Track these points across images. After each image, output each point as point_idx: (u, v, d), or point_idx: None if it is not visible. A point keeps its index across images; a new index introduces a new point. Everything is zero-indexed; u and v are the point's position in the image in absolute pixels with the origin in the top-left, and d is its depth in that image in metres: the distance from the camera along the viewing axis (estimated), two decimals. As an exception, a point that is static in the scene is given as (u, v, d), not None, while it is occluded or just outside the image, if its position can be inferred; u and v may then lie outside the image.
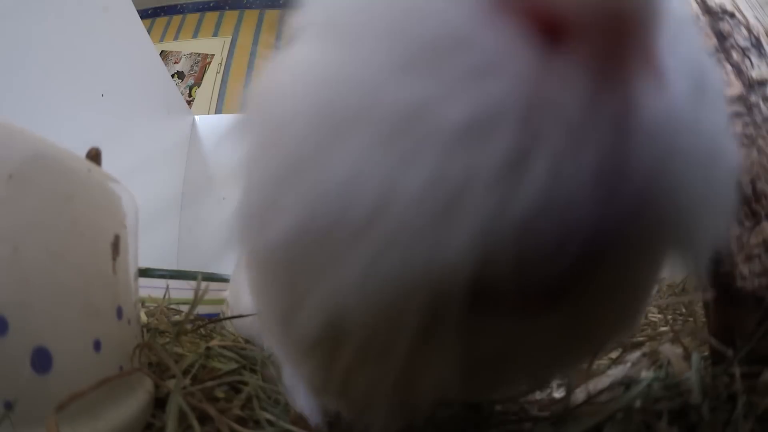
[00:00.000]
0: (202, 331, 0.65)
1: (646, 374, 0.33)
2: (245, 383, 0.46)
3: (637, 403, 0.31)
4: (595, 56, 0.13)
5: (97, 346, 0.35)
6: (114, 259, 0.38)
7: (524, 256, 0.14)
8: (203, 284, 0.52)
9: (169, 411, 0.34)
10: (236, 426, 0.36)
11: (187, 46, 5.03)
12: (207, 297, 0.75)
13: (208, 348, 0.54)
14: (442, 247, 0.14)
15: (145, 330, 0.56)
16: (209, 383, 0.44)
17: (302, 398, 0.38)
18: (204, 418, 0.38)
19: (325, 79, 0.16)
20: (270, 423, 0.39)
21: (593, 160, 0.13)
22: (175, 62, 4.91)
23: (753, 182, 0.34)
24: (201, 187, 2.10)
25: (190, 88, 4.72)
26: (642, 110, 0.13)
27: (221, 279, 1.01)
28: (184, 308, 0.79)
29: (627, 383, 0.33)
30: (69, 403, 0.29)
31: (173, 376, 0.40)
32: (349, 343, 0.18)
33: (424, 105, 0.14)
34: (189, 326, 0.60)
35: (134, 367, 0.39)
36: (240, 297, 0.38)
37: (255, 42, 5.03)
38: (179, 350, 0.52)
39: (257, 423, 0.40)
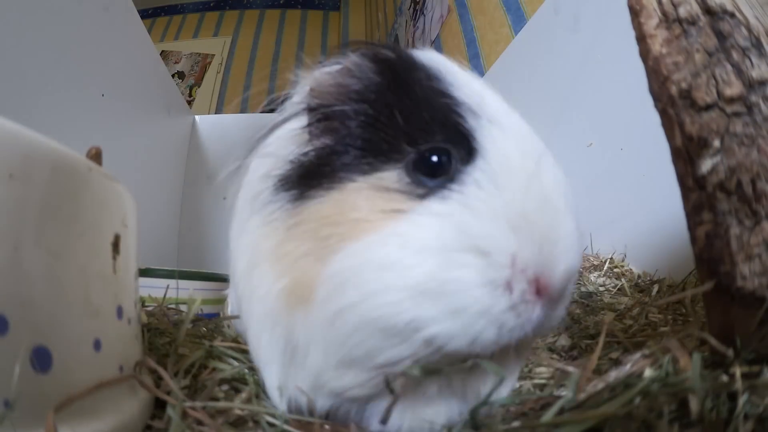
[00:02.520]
0: (203, 330, 0.65)
1: (647, 374, 0.33)
2: (245, 383, 0.46)
3: (637, 403, 0.31)
4: (545, 301, 0.34)
5: (97, 345, 0.35)
6: (114, 258, 0.38)
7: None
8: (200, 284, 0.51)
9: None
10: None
11: (187, 46, 5.04)
12: (207, 297, 0.75)
13: (210, 347, 0.54)
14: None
15: (145, 330, 0.56)
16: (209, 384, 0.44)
17: (272, 387, 0.41)
18: (200, 421, 0.38)
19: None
20: (270, 424, 0.39)
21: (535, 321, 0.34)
22: (176, 62, 4.91)
23: (753, 182, 0.34)
24: (201, 187, 2.10)
25: (191, 88, 4.72)
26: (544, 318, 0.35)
27: (221, 279, 1.01)
28: (184, 308, 0.79)
29: (627, 383, 0.33)
30: (67, 405, 0.29)
31: (176, 374, 0.40)
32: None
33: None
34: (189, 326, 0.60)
35: (136, 375, 0.39)
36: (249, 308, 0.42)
37: (255, 42, 5.04)
38: (179, 350, 0.52)
39: (257, 423, 0.40)
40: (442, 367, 0.34)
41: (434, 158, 0.36)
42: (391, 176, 0.37)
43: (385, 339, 0.34)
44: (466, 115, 0.37)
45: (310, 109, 0.41)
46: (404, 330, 0.33)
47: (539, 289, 0.33)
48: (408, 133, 0.37)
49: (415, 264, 0.33)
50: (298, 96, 0.43)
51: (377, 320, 0.33)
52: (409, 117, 0.38)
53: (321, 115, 0.41)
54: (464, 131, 0.37)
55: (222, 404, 0.41)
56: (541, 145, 0.39)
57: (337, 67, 0.42)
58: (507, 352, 0.35)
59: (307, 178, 0.39)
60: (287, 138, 0.42)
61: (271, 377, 0.41)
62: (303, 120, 0.42)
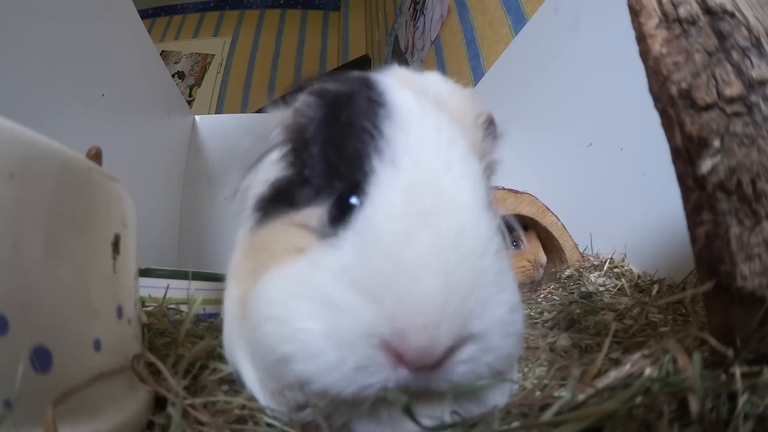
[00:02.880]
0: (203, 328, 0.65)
1: (647, 374, 0.33)
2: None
3: (637, 403, 0.31)
4: (414, 368, 0.33)
5: (97, 345, 0.35)
6: (114, 258, 0.38)
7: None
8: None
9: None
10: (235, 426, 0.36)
11: (187, 46, 5.04)
12: (206, 297, 0.75)
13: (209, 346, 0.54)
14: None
15: (145, 330, 0.56)
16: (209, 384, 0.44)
17: (251, 381, 0.42)
18: (199, 421, 0.38)
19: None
20: (269, 425, 0.39)
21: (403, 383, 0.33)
22: (176, 62, 4.91)
23: (753, 182, 0.34)
24: (201, 187, 2.10)
25: (191, 88, 4.73)
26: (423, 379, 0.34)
27: (221, 279, 1.01)
28: (184, 308, 0.79)
29: (627, 383, 0.33)
30: (66, 398, 0.29)
31: (176, 373, 0.40)
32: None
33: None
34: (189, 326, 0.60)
35: (135, 367, 0.39)
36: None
37: (255, 42, 5.04)
38: (179, 350, 0.52)
39: (257, 423, 0.40)
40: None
41: (344, 200, 0.37)
42: (316, 213, 0.38)
43: (272, 361, 0.35)
44: (374, 154, 0.36)
45: (282, 142, 0.45)
46: (280, 360, 0.34)
47: (398, 355, 0.32)
48: (341, 170, 0.38)
49: (285, 307, 0.35)
50: (277, 128, 0.46)
51: (266, 347, 0.36)
52: (341, 154, 0.38)
53: (285, 149, 0.44)
54: (367, 173, 0.36)
55: (222, 398, 0.41)
56: (446, 199, 0.35)
57: (295, 104, 0.44)
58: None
59: (268, 205, 0.43)
60: (269, 166, 0.46)
61: (248, 374, 0.42)
62: (279, 150, 0.45)
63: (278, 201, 0.42)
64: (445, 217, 0.34)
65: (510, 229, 1.30)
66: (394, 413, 0.35)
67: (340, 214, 0.36)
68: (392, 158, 0.36)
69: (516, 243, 1.21)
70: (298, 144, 0.43)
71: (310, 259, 0.36)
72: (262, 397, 0.41)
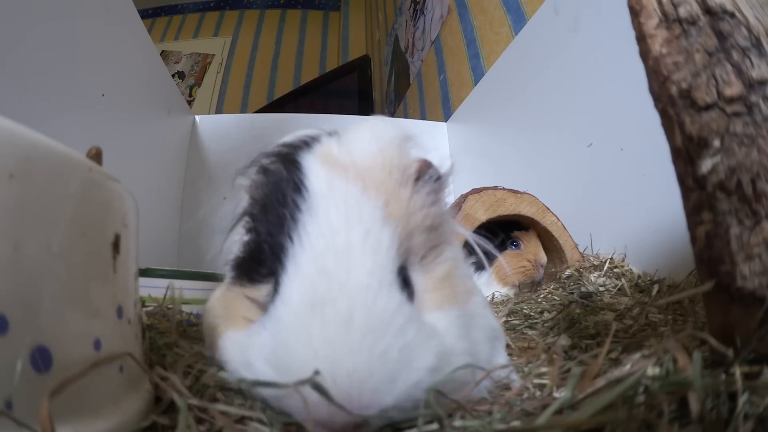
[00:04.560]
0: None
1: (647, 374, 0.33)
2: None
3: (638, 403, 0.31)
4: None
5: (97, 345, 0.35)
6: (114, 258, 0.38)
7: None
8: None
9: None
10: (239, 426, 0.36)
11: (187, 46, 5.04)
12: (206, 297, 0.75)
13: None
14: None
15: (145, 330, 0.56)
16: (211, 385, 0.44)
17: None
18: (202, 419, 0.38)
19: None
20: (269, 423, 0.39)
21: None
22: (176, 62, 4.91)
23: (753, 182, 0.34)
24: (201, 187, 2.10)
25: (191, 88, 4.73)
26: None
27: (221, 279, 1.01)
28: (184, 308, 0.79)
29: (628, 383, 0.33)
30: (61, 389, 0.29)
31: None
32: None
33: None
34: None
35: (140, 368, 0.39)
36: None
37: (255, 42, 5.04)
38: (179, 350, 0.52)
39: (256, 421, 0.40)
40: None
41: (278, 282, 0.41)
42: (264, 289, 0.44)
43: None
44: (289, 241, 0.41)
45: (246, 211, 0.50)
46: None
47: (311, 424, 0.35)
48: (277, 251, 0.42)
49: (232, 365, 0.42)
50: (244, 197, 0.51)
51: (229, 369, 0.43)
52: (274, 236, 0.43)
53: (247, 218, 0.49)
54: (284, 255, 0.41)
55: (230, 407, 0.41)
56: (340, 275, 0.38)
57: (250, 178, 0.50)
58: None
59: (238, 267, 0.48)
60: (240, 230, 0.51)
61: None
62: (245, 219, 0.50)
63: (243, 268, 0.47)
64: (333, 305, 0.36)
65: (509, 229, 1.30)
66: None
67: (276, 293, 0.41)
68: (299, 246, 0.40)
69: (516, 243, 1.21)
70: (254, 214, 0.47)
71: (251, 332, 0.42)
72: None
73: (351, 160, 0.45)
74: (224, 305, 0.48)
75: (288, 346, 0.37)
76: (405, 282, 0.42)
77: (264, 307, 0.43)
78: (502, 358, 0.53)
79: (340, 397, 0.34)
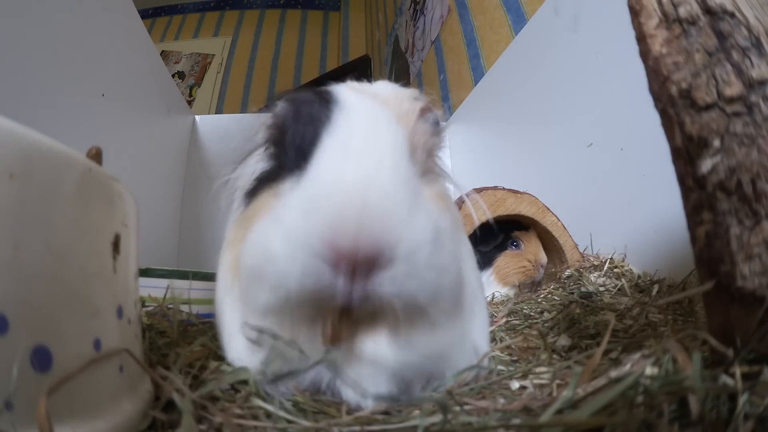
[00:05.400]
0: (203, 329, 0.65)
1: (647, 374, 0.33)
2: (245, 382, 0.46)
3: (638, 403, 0.31)
4: (350, 271, 0.41)
5: (97, 345, 0.35)
6: (114, 258, 0.38)
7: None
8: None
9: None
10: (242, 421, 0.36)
11: (187, 46, 5.04)
12: (206, 297, 0.75)
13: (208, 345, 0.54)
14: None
15: (145, 330, 0.56)
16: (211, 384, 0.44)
17: (241, 350, 0.49)
18: (201, 418, 0.38)
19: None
20: (267, 415, 0.40)
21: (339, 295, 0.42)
22: (176, 62, 4.91)
23: (753, 182, 0.34)
24: (201, 187, 2.10)
25: (191, 88, 4.72)
26: (360, 290, 0.42)
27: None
28: (184, 308, 0.79)
29: (628, 383, 0.33)
30: (59, 386, 0.29)
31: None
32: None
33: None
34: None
35: (139, 366, 0.39)
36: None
37: (255, 42, 5.04)
38: (179, 350, 0.52)
39: (255, 417, 0.40)
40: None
41: (301, 168, 0.47)
42: (287, 184, 0.49)
43: (254, 285, 0.45)
44: (324, 131, 0.47)
45: (265, 140, 0.57)
46: (258, 276, 0.44)
47: (336, 257, 0.40)
48: (305, 150, 0.48)
49: (260, 235, 0.46)
50: (262, 129, 0.58)
51: (246, 270, 0.47)
52: (304, 138, 0.49)
53: (268, 144, 0.56)
54: (318, 142, 0.47)
55: (230, 406, 0.41)
56: (368, 146, 0.45)
57: (275, 109, 0.56)
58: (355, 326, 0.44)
59: (255, 190, 0.55)
60: (256, 160, 0.59)
61: (229, 327, 0.51)
62: (263, 147, 0.58)
63: (261, 185, 0.54)
64: (366, 156, 0.44)
65: (509, 230, 1.30)
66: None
67: (299, 181, 0.47)
68: (333, 129, 0.47)
69: (516, 243, 1.21)
70: (278, 138, 0.54)
71: (280, 205, 0.47)
72: (235, 348, 0.49)
73: (372, 91, 0.55)
74: (244, 221, 0.52)
75: (322, 186, 0.42)
76: None
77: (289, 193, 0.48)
78: (480, 317, 0.57)
79: (365, 224, 0.40)
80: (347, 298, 0.41)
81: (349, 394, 0.45)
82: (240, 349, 0.49)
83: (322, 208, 0.41)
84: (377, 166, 0.43)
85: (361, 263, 0.40)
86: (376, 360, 0.44)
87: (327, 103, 0.50)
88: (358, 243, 0.40)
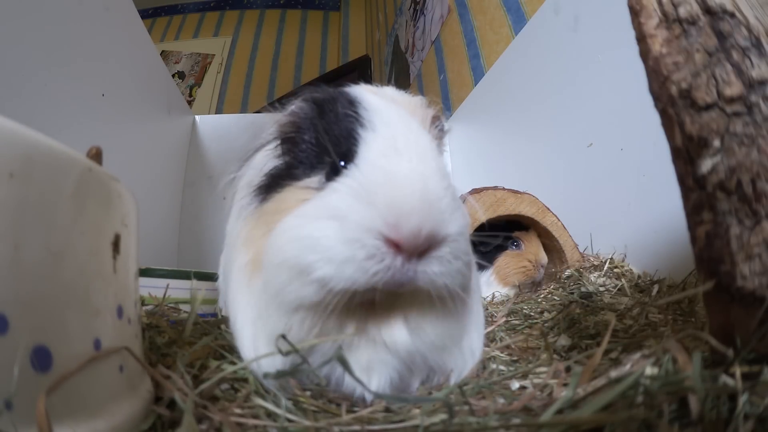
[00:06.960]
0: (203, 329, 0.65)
1: (647, 374, 0.33)
2: (245, 381, 0.46)
3: (638, 403, 0.31)
4: (407, 256, 0.44)
5: (97, 344, 0.35)
6: (114, 258, 0.38)
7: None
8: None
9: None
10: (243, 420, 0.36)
11: (187, 46, 5.04)
12: (205, 297, 0.75)
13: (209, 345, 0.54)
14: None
15: (145, 330, 0.56)
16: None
17: (248, 348, 0.50)
18: (202, 417, 0.38)
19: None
20: (269, 414, 0.40)
21: (398, 268, 0.44)
22: (176, 62, 4.91)
23: (753, 182, 0.34)
24: (201, 187, 2.10)
25: (191, 88, 4.72)
26: (412, 270, 0.44)
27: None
28: (184, 307, 0.79)
29: (628, 383, 0.33)
30: (59, 385, 0.29)
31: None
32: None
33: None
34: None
35: (139, 366, 0.39)
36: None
37: (255, 42, 5.04)
38: (179, 350, 0.52)
39: (256, 416, 0.40)
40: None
41: (336, 165, 0.50)
42: (314, 180, 0.52)
43: (292, 279, 0.45)
44: (359, 128, 0.50)
45: (276, 138, 0.59)
46: (302, 272, 0.44)
47: (394, 244, 0.43)
48: (328, 148, 0.51)
49: (304, 228, 0.46)
50: (272, 127, 0.60)
51: (284, 263, 0.46)
52: (329, 136, 0.52)
53: (281, 141, 0.58)
54: (355, 139, 0.50)
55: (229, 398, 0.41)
56: (411, 144, 0.48)
57: (291, 108, 0.59)
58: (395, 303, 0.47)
59: (270, 186, 0.55)
60: (264, 157, 0.60)
61: (244, 329, 0.51)
62: (274, 144, 0.60)
63: (278, 181, 0.55)
64: (413, 153, 0.47)
65: (510, 229, 1.30)
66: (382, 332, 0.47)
67: (334, 175, 0.49)
68: (371, 128, 0.50)
69: (516, 243, 1.21)
70: (294, 136, 0.56)
71: (318, 197, 0.49)
72: (252, 350, 0.49)
73: (389, 95, 0.59)
74: (265, 217, 0.53)
75: (382, 175, 0.45)
76: None
77: (320, 188, 0.50)
78: (477, 316, 0.58)
79: (426, 209, 0.43)
80: (403, 277, 0.43)
81: (356, 388, 0.47)
82: (256, 348, 0.49)
83: (386, 196, 0.43)
84: (424, 161, 0.47)
85: (422, 244, 0.43)
86: (394, 343, 0.47)
87: (351, 103, 0.53)
88: (422, 225, 0.43)
